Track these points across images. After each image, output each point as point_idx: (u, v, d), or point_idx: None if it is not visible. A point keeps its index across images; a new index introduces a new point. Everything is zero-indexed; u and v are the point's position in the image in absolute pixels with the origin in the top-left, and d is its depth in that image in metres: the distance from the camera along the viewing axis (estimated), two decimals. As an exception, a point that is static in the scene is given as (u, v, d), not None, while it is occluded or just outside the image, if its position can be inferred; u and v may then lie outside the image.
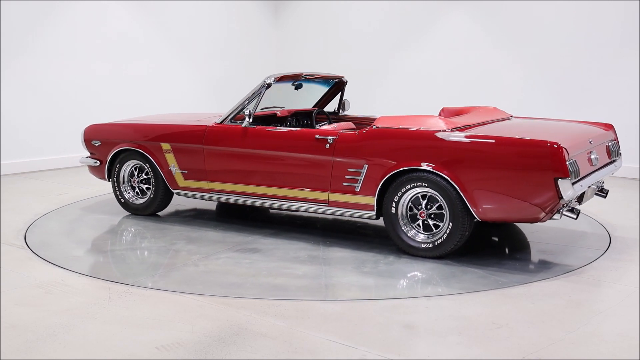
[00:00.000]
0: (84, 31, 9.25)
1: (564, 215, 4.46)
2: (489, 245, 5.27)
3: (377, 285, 4.26)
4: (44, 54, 8.87)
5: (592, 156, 4.77)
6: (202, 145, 5.60)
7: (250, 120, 5.37)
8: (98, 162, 6.26)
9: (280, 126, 6.05)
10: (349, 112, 6.66)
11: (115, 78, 9.70)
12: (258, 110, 5.98)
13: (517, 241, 5.35)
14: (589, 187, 4.68)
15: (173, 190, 5.92)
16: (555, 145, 4.23)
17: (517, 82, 9.28)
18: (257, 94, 5.45)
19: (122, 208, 6.27)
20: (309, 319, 3.64)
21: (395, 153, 4.70)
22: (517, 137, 4.45)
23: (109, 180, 6.23)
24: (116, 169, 6.13)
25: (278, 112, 6.19)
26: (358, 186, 4.87)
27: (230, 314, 3.71)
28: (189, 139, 5.69)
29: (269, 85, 5.44)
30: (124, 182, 6.15)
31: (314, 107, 6.61)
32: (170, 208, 6.37)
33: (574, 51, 8.70)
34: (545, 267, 4.62)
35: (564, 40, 8.77)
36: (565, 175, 4.20)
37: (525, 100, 9.14)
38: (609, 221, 5.91)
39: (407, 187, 4.66)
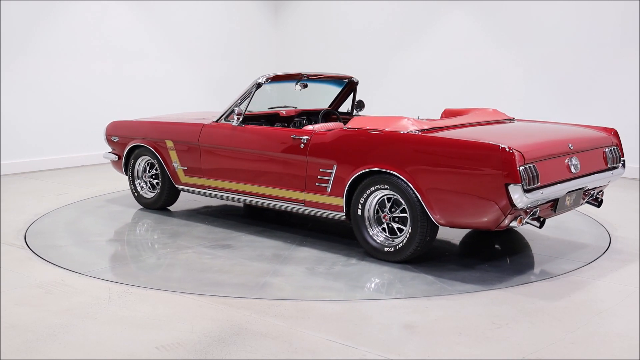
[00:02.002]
0: (84, 31, 9.25)
1: (528, 223, 4.27)
2: (485, 253, 5.26)
3: (314, 286, 4.21)
4: (44, 54, 8.87)
5: (571, 162, 4.49)
6: (198, 143, 5.76)
7: (241, 119, 5.46)
8: (117, 157, 6.54)
9: (289, 126, 6.09)
10: (362, 112, 6.61)
11: (116, 78, 9.70)
12: (266, 109, 6.17)
13: (517, 247, 5.34)
14: (566, 194, 4.42)
15: (177, 186, 6.09)
16: (507, 149, 4.00)
17: (518, 82, 9.28)
18: (248, 94, 5.52)
19: (129, 203, 6.59)
20: (309, 319, 3.64)
21: (360, 154, 4.65)
22: (472, 140, 4.23)
23: (127, 175, 6.49)
24: (131, 164, 6.37)
25: (284, 112, 6.25)
26: (329, 187, 4.85)
27: (230, 314, 3.71)
28: (188, 137, 5.86)
29: (259, 85, 5.49)
30: (138, 177, 6.43)
31: (329, 107, 6.63)
32: (196, 204, 6.64)
33: (575, 51, 8.70)
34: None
35: (565, 40, 8.77)
36: (516, 181, 3.96)
37: (527, 101, 9.14)
38: (609, 221, 5.91)
39: (371, 189, 4.60)
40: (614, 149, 5.04)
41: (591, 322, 3.60)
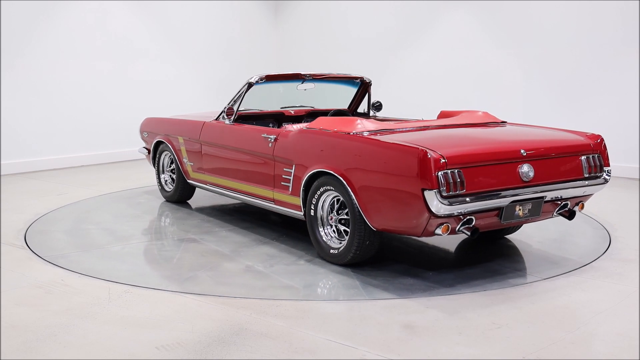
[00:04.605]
0: (85, 31, 9.25)
1: (461, 232, 4.01)
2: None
3: (233, 283, 4.23)
4: (45, 54, 8.86)
5: (522, 169, 4.14)
6: (199, 140, 5.92)
7: (232, 117, 5.61)
8: (147, 151, 6.96)
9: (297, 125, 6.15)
10: (380, 114, 6.55)
11: (116, 78, 9.70)
12: (277, 108, 6.37)
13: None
14: (514, 204, 4.08)
15: (188, 181, 6.28)
16: (425, 153, 3.83)
17: (517, 82, 9.26)
18: (241, 94, 5.62)
19: (146, 198, 6.94)
20: (309, 319, 3.64)
21: (311, 155, 4.64)
22: (396, 143, 4.10)
23: (154, 168, 6.86)
24: (157, 158, 6.76)
25: (292, 112, 6.30)
26: (290, 186, 4.86)
27: (230, 314, 3.71)
28: (193, 134, 6.04)
29: (250, 85, 5.57)
30: (163, 171, 6.79)
31: (347, 108, 6.63)
32: (221, 199, 6.78)
33: (575, 51, 8.69)
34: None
35: (565, 40, 8.76)
36: (432, 186, 3.77)
37: (526, 101, 9.13)
38: (609, 221, 5.91)
39: (321, 190, 4.55)
40: (593, 157, 4.53)
41: (591, 322, 3.61)
